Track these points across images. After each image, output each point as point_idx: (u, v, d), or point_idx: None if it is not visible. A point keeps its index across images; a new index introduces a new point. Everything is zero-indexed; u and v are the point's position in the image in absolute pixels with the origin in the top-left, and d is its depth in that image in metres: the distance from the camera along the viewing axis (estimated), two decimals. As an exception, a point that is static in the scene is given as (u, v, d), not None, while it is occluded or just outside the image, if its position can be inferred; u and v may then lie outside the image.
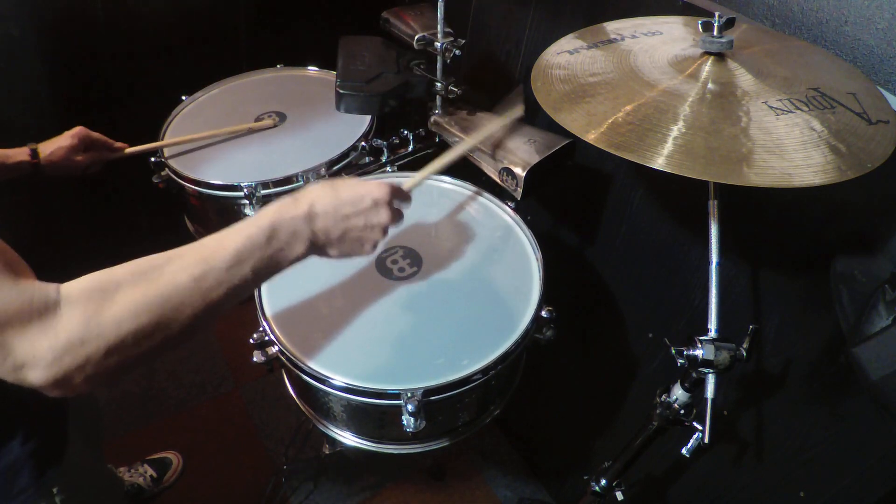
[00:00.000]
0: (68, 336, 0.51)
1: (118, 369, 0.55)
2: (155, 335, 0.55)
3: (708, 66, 0.67)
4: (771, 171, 0.55)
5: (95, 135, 1.11)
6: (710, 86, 0.65)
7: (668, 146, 0.59)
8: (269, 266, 0.62)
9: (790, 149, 0.57)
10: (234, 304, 0.60)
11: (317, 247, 0.65)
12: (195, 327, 0.58)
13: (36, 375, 0.51)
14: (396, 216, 0.71)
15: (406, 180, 0.78)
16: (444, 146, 1.17)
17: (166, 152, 1.15)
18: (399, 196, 0.72)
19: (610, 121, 0.62)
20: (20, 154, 1.03)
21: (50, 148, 1.05)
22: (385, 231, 0.69)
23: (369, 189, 0.67)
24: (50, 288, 0.53)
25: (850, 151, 0.57)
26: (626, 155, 0.59)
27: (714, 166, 0.56)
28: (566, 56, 0.75)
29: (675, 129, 0.60)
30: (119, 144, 1.15)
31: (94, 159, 1.11)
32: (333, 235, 0.65)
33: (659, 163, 0.57)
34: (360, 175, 1.12)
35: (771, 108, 0.61)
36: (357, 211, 0.66)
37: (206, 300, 0.57)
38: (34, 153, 1.03)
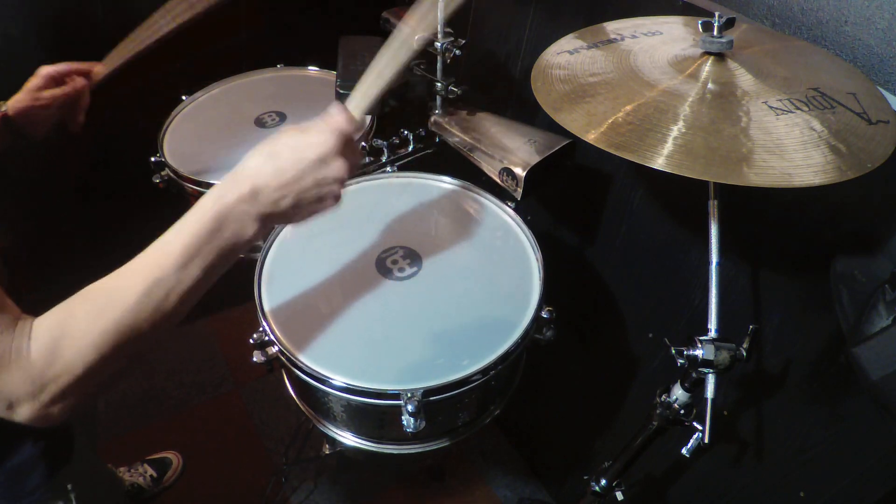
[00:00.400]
0: (41, 377, 0.53)
1: (95, 391, 0.57)
2: (121, 357, 0.56)
3: (708, 66, 0.67)
4: (771, 171, 0.55)
5: (61, 65, 0.99)
6: (710, 86, 0.65)
7: (668, 146, 0.59)
8: (222, 257, 0.59)
9: (790, 149, 0.57)
10: (193, 303, 0.59)
11: (271, 221, 0.61)
12: (159, 336, 0.57)
13: (21, 413, 0.54)
14: (350, 159, 0.63)
15: (348, 104, 0.69)
16: (444, 146, 1.17)
17: (166, 152, 1.15)
18: (350, 134, 0.64)
19: (610, 121, 0.62)
20: None
21: (14, 99, 0.95)
22: (342, 179, 0.62)
23: (310, 143, 0.60)
24: (26, 326, 0.54)
25: (850, 151, 0.57)
26: (626, 155, 0.59)
27: (714, 166, 0.56)
28: (566, 56, 0.75)
29: (675, 129, 0.60)
30: (89, 65, 1.03)
31: (69, 94, 0.99)
32: (285, 205, 0.60)
33: (659, 163, 0.57)
34: (360, 175, 1.11)
35: (771, 108, 0.61)
36: (303, 172, 0.59)
37: (162, 311, 0.56)
38: (3, 110, 0.92)
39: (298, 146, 0.60)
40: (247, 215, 0.58)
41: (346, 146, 0.63)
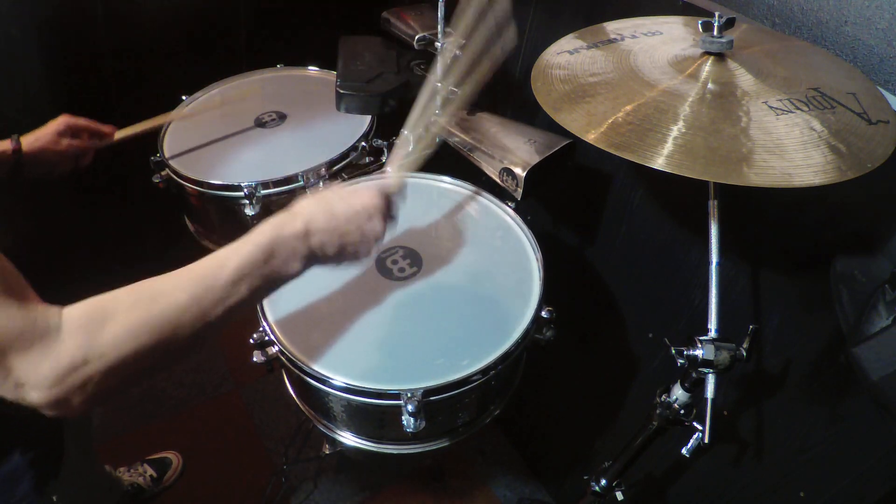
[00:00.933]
0: (70, 358, 0.52)
1: (117, 388, 0.56)
2: (154, 354, 0.56)
3: (708, 66, 0.67)
4: (771, 171, 0.55)
5: (82, 120, 1.07)
6: (710, 86, 0.65)
7: (668, 146, 0.59)
8: (267, 284, 0.62)
9: (790, 149, 0.57)
10: (231, 322, 0.61)
11: (312, 261, 0.66)
12: (194, 345, 0.59)
13: (36, 395, 0.52)
14: (390, 222, 0.71)
15: (394, 179, 0.76)
16: (444, 146, 1.16)
17: (166, 152, 1.15)
18: (395, 201, 0.71)
19: (610, 121, 0.62)
20: (1, 145, 0.97)
21: (32, 137, 1.00)
22: (379, 238, 0.69)
23: (363, 201, 0.67)
24: (52, 311, 0.54)
25: (850, 151, 0.57)
26: (626, 155, 0.59)
27: (714, 166, 0.56)
28: (566, 56, 0.75)
29: (675, 129, 0.60)
30: (107, 128, 1.11)
31: (82, 147, 1.06)
32: (329, 250, 0.66)
33: (659, 163, 0.57)
34: (360, 174, 1.11)
35: (771, 108, 0.61)
36: (352, 225, 0.66)
37: (205, 319, 0.58)
38: (16, 142, 0.98)
39: (351, 200, 0.67)
40: (296, 251, 0.63)
41: (389, 208, 0.70)
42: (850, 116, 0.61)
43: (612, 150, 0.60)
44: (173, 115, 1.19)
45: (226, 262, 0.60)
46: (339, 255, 0.67)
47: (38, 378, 0.52)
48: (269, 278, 0.62)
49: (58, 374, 0.52)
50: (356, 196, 0.67)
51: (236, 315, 0.61)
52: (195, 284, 0.58)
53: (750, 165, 0.56)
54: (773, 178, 0.55)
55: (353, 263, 0.70)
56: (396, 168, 0.78)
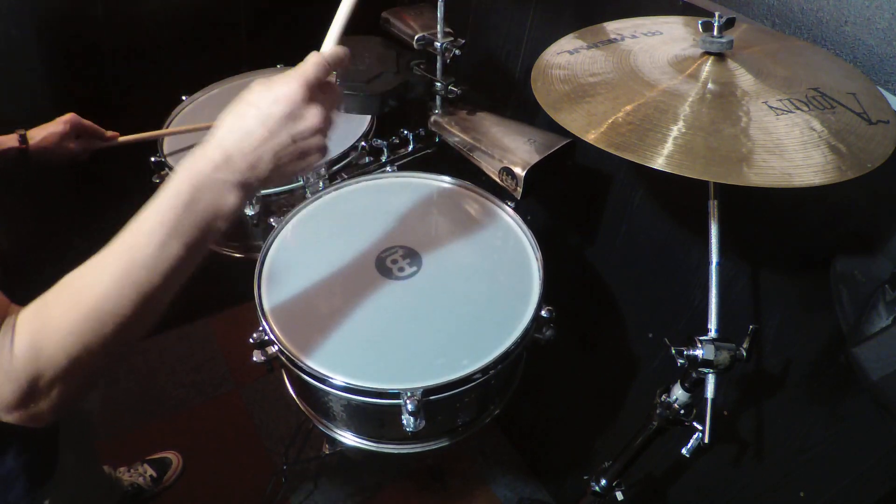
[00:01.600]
0: (26, 374, 0.51)
1: (85, 384, 0.54)
2: (107, 343, 0.52)
3: (708, 66, 0.67)
4: (771, 171, 0.55)
5: (87, 122, 1.09)
6: (710, 86, 0.65)
7: (668, 146, 0.59)
8: (203, 230, 0.55)
9: (790, 149, 0.57)
10: (181, 280, 0.55)
11: (252, 186, 0.57)
12: (146, 317, 0.54)
13: (7, 414, 0.52)
14: (329, 100, 0.60)
15: (323, 50, 0.64)
16: (444, 146, 1.17)
17: (166, 151, 1.15)
18: (320, 77, 0.59)
19: (610, 121, 0.62)
20: (9, 140, 0.99)
21: (41, 134, 1.02)
22: (322, 128, 0.58)
23: (276, 98, 0.56)
24: (9, 323, 0.52)
25: (850, 151, 0.57)
26: (626, 155, 0.59)
27: (714, 166, 0.56)
28: (566, 56, 0.75)
29: (675, 129, 0.60)
30: (111, 133, 1.13)
31: (84, 147, 1.08)
32: (263, 166, 0.56)
33: (659, 163, 0.57)
34: (360, 174, 1.12)
35: (771, 108, 0.61)
36: (273, 130, 0.55)
37: (143, 292, 0.52)
38: (23, 138, 1.00)
39: (264, 102, 0.56)
40: (223, 183, 0.55)
41: (321, 90, 0.59)
42: (850, 116, 0.61)
43: (611, 150, 0.60)
44: (173, 130, 1.20)
45: (145, 225, 0.53)
46: (279, 168, 0.57)
47: (4, 394, 0.50)
48: (202, 224, 0.54)
49: (19, 394, 0.51)
50: (270, 95, 0.56)
51: (182, 274, 0.55)
52: (120, 263, 0.52)
53: (750, 165, 0.56)
54: (773, 178, 0.55)
55: (305, 169, 0.61)
56: (325, 43, 0.66)
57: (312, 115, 0.57)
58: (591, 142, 0.61)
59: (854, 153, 0.57)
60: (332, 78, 0.62)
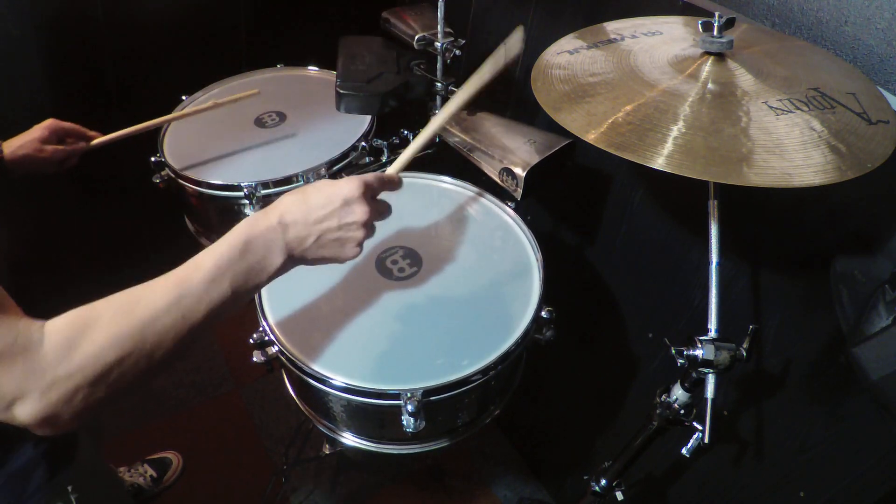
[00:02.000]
0: (53, 372, 0.51)
1: (106, 399, 0.55)
2: (139, 363, 0.55)
3: (708, 66, 0.67)
4: (771, 171, 0.55)
5: (68, 124, 1.06)
6: (710, 86, 0.65)
7: (668, 146, 0.59)
8: (248, 280, 0.62)
9: (790, 149, 0.57)
10: (216, 322, 0.61)
11: (295, 256, 0.65)
12: (178, 351, 0.58)
13: (24, 413, 0.52)
14: (377, 208, 0.69)
15: (389, 168, 0.77)
16: (444, 146, 1.17)
17: (167, 152, 1.15)
18: (376, 187, 0.69)
19: (610, 121, 0.62)
20: None
21: (17, 143, 0.99)
22: (366, 226, 0.67)
23: (338, 189, 0.66)
24: (34, 325, 0.53)
25: (850, 151, 0.57)
26: (626, 155, 0.59)
27: (714, 166, 0.56)
28: (566, 56, 0.75)
29: (675, 129, 0.60)
30: (93, 133, 1.10)
31: (70, 151, 1.06)
32: (309, 242, 0.65)
33: (659, 163, 0.57)
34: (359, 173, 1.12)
35: (771, 108, 0.61)
36: (328, 213, 0.65)
37: (187, 322, 0.57)
38: None
39: (327, 191, 0.65)
40: (274, 244, 0.63)
41: (372, 196, 0.69)
42: (849, 116, 0.61)
43: (611, 150, 0.60)
44: (158, 121, 1.17)
45: (202, 263, 0.59)
46: (320, 246, 0.66)
47: (23, 394, 0.51)
48: (248, 274, 0.62)
49: (42, 389, 0.51)
50: (333, 185, 0.66)
51: (221, 315, 0.61)
52: (173, 288, 0.57)
53: (750, 165, 0.56)
54: (773, 178, 0.55)
55: (341, 258, 0.68)
56: (405, 153, 0.79)
57: (361, 212, 0.66)
58: (591, 142, 0.61)
59: (854, 153, 0.57)
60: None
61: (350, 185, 0.66)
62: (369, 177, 0.69)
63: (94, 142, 1.10)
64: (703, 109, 0.62)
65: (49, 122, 1.04)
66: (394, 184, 0.73)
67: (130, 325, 0.54)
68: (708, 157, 0.57)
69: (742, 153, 0.57)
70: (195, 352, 1.98)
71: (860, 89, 0.65)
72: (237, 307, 0.63)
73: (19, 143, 0.99)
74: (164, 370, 0.59)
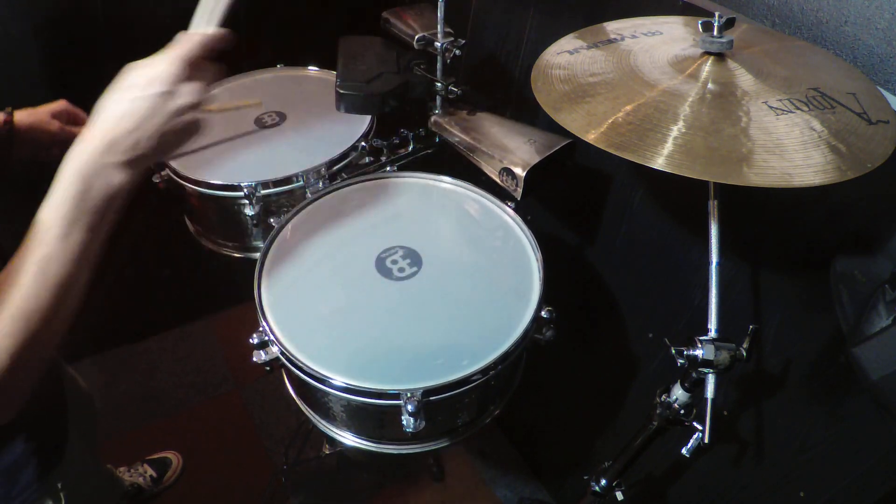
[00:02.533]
0: None
1: (31, 376, 0.57)
2: (39, 338, 0.56)
3: (708, 66, 0.67)
4: (771, 172, 0.55)
5: (80, 110, 1.03)
6: (710, 86, 0.65)
7: (668, 146, 0.59)
8: (101, 212, 0.58)
9: (790, 149, 0.57)
10: (94, 258, 0.60)
11: (139, 162, 0.60)
12: (69, 304, 0.58)
13: None
14: (200, 79, 0.63)
15: (193, 26, 0.70)
16: (444, 146, 1.17)
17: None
18: (189, 58, 0.62)
19: (610, 121, 0.62)
20: None
21: (26, 113, 0.97)
22: (195, 105, 0.62)
23: (151, 79, 0.60)
24: None
25: (850, 151, 0.57)
26: (627, 155, 0.59)
27: (714, 166, 0.56)
28: (566, 56, 0.75)
29: (675, 129, 0.60)
30: None
31: (73, 134, 0.97)
32: (146, 145, 0.59)
33: (659, 163, 0.57)
34: (360, 174, 1.12)
35: (771, 108, 0.61)
36: (151, 110, 0.59)
37: (59, 283, 0.56)
38: (9, 115, 0.94)
39: (140, 84, 0.60)
40: (109, 167, 0.58)
41: (193, 68, 0.63)
42: (849, 116, 0.61)
43: (612, 150, 0.60)
44: None
45: (46, 223, 0.57)
46: (162, 144, 0.61)
47: None
48: (97, 208, 0.58)
49: None
50: (145, 77, 0.60)
51: (90, 259, 0.59)
52: (31, 261, 0.56)
53: (750, 165, 0.56)
54: (773, 179, 0.55)
55: (189, 140, 0.65)
56: (196, 23, 0.71)
57: (186, 92, 0.61)
58: (591, 142, 0.61)
59: (854, 153, 0.57)
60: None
61: (162, 69, 0.60)
62: (181, 49, 0.62)
63: None
64: (703, 109, 0.62)
65: (62, 102, 1.02)
66: (213, 38, 0.67)
67: (10, 316, 0.54)
68: (708, 157, 0.57)
69: (742, 153, 0.57)
70: (195, 352, 1.98)
71: (860, 89, 0.65)
72: (103, 236, 0.60)
73: (28, 113, 0.97)
74: (71, 315, 0.59)
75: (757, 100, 0.62)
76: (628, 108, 0.63)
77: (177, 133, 0.62)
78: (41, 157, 1.00)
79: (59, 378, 0.98)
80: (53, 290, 0.56)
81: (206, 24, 0.71)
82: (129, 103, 0.59)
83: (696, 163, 0.57)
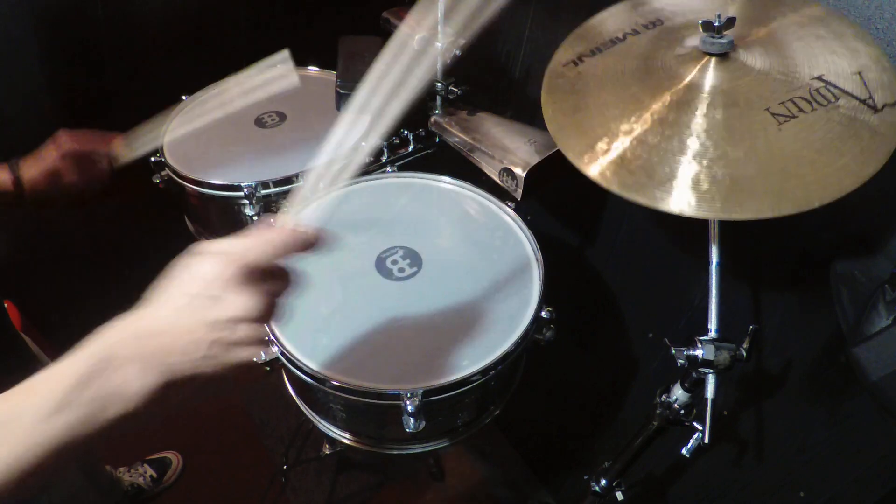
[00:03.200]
0: None
1: None
2: None
3: (710, 75, 0.66)
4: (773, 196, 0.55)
5: (83, 138, 0.91)
6: (715, 114, 0.64)
7: (686, 190, 0.59)
8: (98, 411, 0.44)
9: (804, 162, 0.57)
10: (69, 461, 0.46)
11: (165, 373, 0.44)
12: (32, 487, 0.43)
13: None
14: (269, 288, 0.49)
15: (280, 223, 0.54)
16: (444, 146, 1.17)
17: (167, 152, 1.15)
18: (257, 264, 0.48)
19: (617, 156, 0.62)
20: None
21: (35, 161, 0.85)
22: (243, 318, 0.46)
23: (194, 276, 0.47)
24: None
25: (860, 150, 0.57)
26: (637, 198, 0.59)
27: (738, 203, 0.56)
28: (571, 68, 0.74)
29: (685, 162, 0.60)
30: (108, 139, 0.96)
31: (88, 182, 0.93)
32: (178, 355, 0.45)
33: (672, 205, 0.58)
34: (360, 175, 1.11)
35: (773, 115, 0.61)
36: (186, 313, 0.46)
37: (24, 468, 0.42)
38: (15, 171, 0.83)
39: (185, 281, 0.47)
40: (126, 361, 0.44)
41: (264, 275, 0.49)
42: (854, 106, 0.60)
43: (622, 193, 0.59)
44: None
45: (33, 388, 0.44)
46: (201, 360, 0.45)
47: None
48: (99, 405, 0.44)
49: None
50: (194, 271, 0.47)
51: (80, 452, 0.45)
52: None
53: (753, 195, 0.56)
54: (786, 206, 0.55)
55: (246, 360, 0.47)
56: (290, 211, 0.57)
57: (233, 304, 0.46)
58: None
59: (863, 151, 0.57)
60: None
61: (213, 268, 0.46)
62: (251, 249, 0.48)
63: (118, 153, 0.97)
64: (710, 141, 0.61)
65: (62, 141, 0.89)
66: (304, 240, 0.51)
67: None
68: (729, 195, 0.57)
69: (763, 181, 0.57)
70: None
71: (866, 63, 0.63)
72: (97, 436, 0.45)
73: (35, 170, 0.86)
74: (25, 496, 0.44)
75: (760, 107, 0.61)
76: (634, 139, 0.63)
77: (222, 352, 0.46)
78: (52, 206, 0.93)
79: None
80: (6, 469, 0.42)
81: (297, 208, 0.57)
82: (166, 299, 0.47)
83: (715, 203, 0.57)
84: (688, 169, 0.59)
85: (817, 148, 0.57)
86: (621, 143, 0.64)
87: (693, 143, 0.61)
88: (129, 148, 1.00)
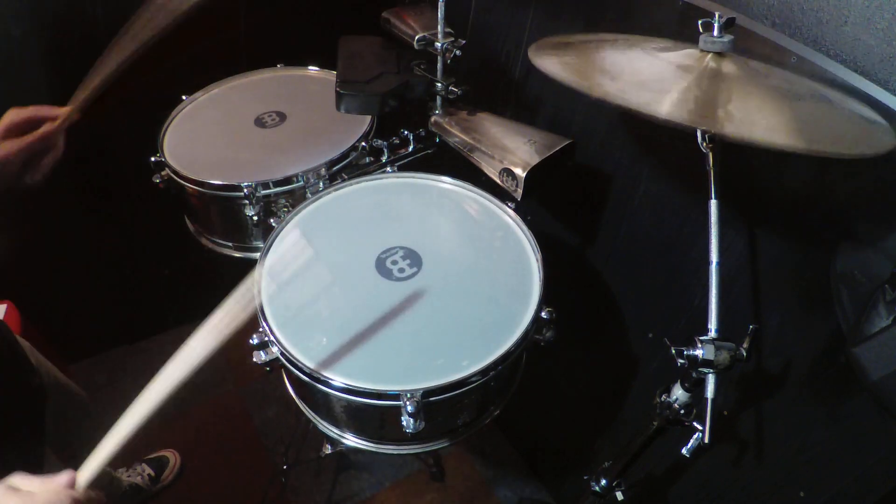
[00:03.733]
0: None
1: None
2: None
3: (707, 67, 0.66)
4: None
5: (26, 111, 0.89)
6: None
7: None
8: None
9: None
10: None
11: None
12: None
13: None
14: None
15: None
16: (444, 146, 1.17)
17: (167, 152, 1.15)
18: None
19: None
20: None
21: None
22: None
23: None
24: None
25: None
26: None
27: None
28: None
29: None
30: (53, 110, 0.94)
31: (31, 144, 0.89)
32: None
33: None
34: (360, 174, 1.11)
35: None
36: None
37: None
38: None
39: None
40: None
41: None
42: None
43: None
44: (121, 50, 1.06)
45: None
46: None
47: None
48: None
49: None
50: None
51: None
52: None
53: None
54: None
55: None
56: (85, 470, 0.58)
57: None
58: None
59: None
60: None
61: None
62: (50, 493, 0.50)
63: (67, 116, 0.95)
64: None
65: (9, 112, 0.87)
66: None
67: None
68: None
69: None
70: (195, 352, 1.98)
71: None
72: None
73: None
74: None
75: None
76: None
77: None
78: (14, 190, 0.89)
79: (37, 430, 0.96)
80: None
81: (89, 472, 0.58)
82: None
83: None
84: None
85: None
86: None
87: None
88: (74, 104, 0.99)
